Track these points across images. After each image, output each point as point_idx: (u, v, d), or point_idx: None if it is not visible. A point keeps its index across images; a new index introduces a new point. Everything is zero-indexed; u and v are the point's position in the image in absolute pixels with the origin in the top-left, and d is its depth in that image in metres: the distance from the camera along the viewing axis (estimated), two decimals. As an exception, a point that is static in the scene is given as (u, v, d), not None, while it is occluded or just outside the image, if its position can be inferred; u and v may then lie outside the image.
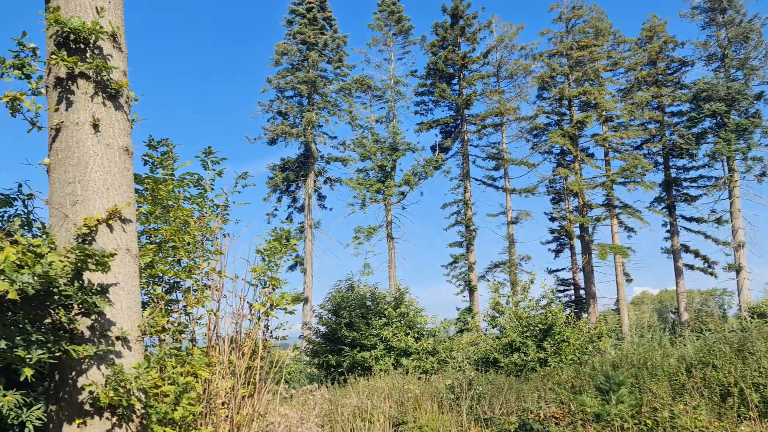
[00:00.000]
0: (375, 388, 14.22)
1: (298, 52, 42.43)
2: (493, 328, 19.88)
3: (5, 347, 3.68)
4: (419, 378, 16.63)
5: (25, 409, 8.47)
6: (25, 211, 11.03)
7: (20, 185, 11.00)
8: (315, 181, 43.84)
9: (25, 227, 10.46)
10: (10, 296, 3.49)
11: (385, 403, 12.96)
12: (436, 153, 44.77)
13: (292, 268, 42.06)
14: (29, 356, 3.79)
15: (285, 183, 43.44)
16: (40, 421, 8.50)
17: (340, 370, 20.37)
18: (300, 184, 43.97)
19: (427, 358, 20.33)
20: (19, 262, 3.65)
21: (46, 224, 7.98)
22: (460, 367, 16.69)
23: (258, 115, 43.14)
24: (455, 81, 45.39)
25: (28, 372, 3.81)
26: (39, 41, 4.81)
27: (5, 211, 10.90)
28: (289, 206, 44.41)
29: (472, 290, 42.25)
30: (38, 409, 8.43)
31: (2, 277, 3.52)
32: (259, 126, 47.00)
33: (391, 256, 43.00)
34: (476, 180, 45.01)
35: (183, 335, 7.97)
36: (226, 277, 7.75)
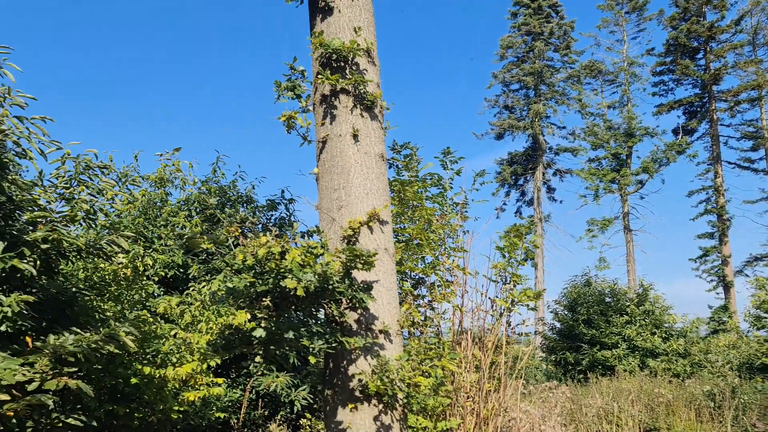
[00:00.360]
0: (620, 390, 13.48)
1: (524, 43, 41.78)
2: (758, 329, 17.62)
3: (293, 337, 4.20)
4: (669, 382, 15.38)
5: (293, 390, 9.56)
6: (288, 213, 12.46)
7: (282, 191, 12.43)
8: (544, 174, 42.84)
9: (288, 227, 11.81)
10: (298, 293, 3.98)
11: (633, 407, 12.22)
12: (679, 136, 40.85)
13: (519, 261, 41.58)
14: (312, 346, 4.27)
15: (513, 177, 43.12)
16: (306, 401, 9.52)
17: (579, 369, 19.69)
18: (528, 178, 43.31)
19: (677, 361, 18.72)
20: (302, 262, 4.14)
21: (301, 225, 8.87)
22: (719, 372, 15.08)
23: (484, 111, 43.44)
24: (700, 55, 40.97)
25: (311, 358, 4.30)
26: (304, 63, 5.39)
27: (272, 214, 12.41)
28: (517, 200, 44.02)
29: (727, 286, 37.85)
30: (304, 389, 9.46)
31: (291, 276, 4.02)
32: (486, 122, 47.37)
33: (629, 249, 40.35)
34: (729, 163, 40.14)
35: (429, 329, 8.36)
36: (468, 274, 7.94)
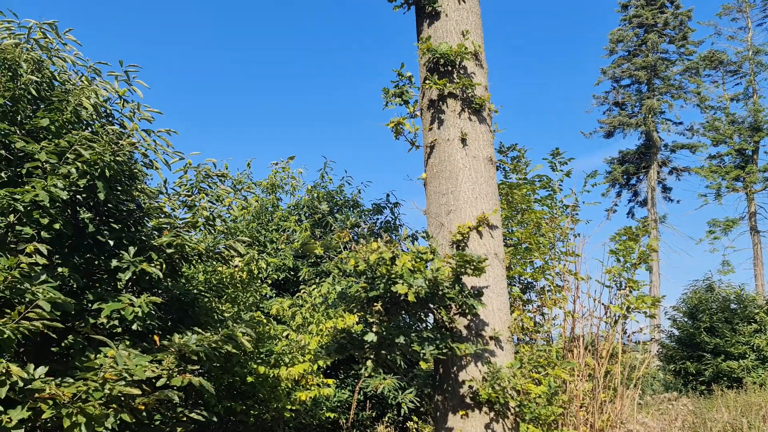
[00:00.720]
0: (749, 404, 12.51)
1: (635, 36, 39.83)
2: None
3: (404, 342, 4.22)
4: (806, 397, 14.08)
5: (400, 392, 9.62)
6: (393, 217, 12.59)
7: (388, 195, 12.58)
8: (658, 173, 40.61)
9: (393, 231, 11.94)
10: (409, 298, 3.99)
11: (765, 423, 11.30)
12: (814, 129, 37.44)
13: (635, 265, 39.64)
14: (423, 351, 4.27)
15: (624, 176, 41.19)
16: (413, 404, 9.53)
17: (701, 380, 18.48)
18: (641, 177, 41.21)
19: (815, 374, 17.13)
20: (412, 268, 4.15)
21: (408, 229, 8.87)
22: None
23: (593, 109, 41.77)
24: (837, 40, 37.35)
25: (422, 363, 4.30)
26: (411, 68, 5.42)
27: (378, 218, 12.59)
28: (629, 201, 41.99)
29: None
30: (411, 392, 9.48)
31: (402, 282, 4.04)
32: (594, 119, 45.66)
33: (756, 251, 37.44)
34: None
35: (538, 335, 8.14)
36: (581, 279, 7.66)
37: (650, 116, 39.08)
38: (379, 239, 4.25)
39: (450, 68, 5.17)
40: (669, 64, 39.70)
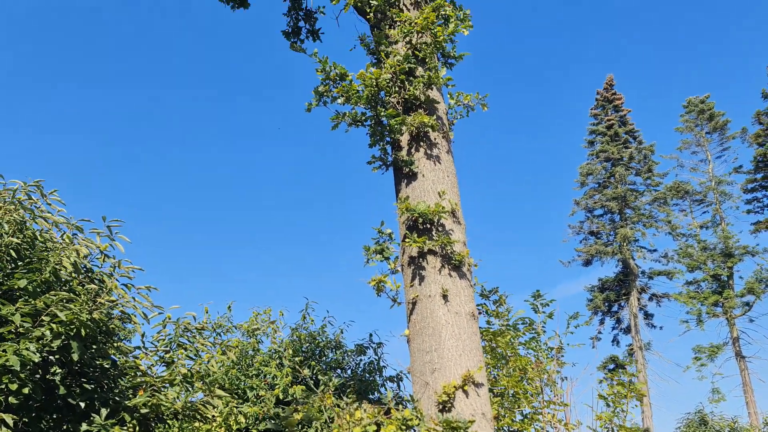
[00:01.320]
0: None
1: (603, 170, 41.70)
2: None
3: None
4: None
5: None
6: (377, 357, 12.31)
7: (371, 335, 12.39)
8: (639, 299, 40.86)
9: (377, 372, 11.62)
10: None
11: None
12: (784, 254, 38.40)
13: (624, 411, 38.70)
14: None
15: (606, 304, 41.34)
16: None
17: None
18: (623, 304, 41.39)
19: None
20: (398, 438, 4.00)
21: (390, 369, 8.65)
22: None
23: (569, 238, 42.70)
24: (793, 169, 39.40)
25: None
26: (390, 224, 5.55)
27: (361, 359, 12.30)
28: (613, 328, 41.83)
29: None
30: None
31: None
32: (571, 248, 46.47)
33: (744, 377, 36.91)
34: None
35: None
36: (571, 429, 7.42)
37: (625, 244, 39.98)
38: (361, 407, 4.12)
39: (429, 226, 5.31)
40: (638, 195, 41.29)
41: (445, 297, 5.11)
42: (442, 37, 5.59)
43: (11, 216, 6.07)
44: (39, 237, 6.46)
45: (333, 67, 5.34)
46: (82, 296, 5.88)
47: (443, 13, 5.67)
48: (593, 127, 43.48)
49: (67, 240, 6.60)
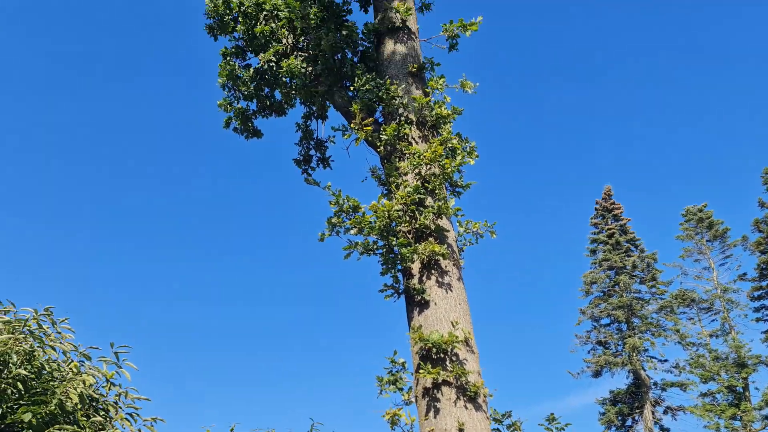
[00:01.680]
0: None
1: (607, 278, 41.61)
2: None
3: None
4: None
5: None
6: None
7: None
8: (653, 413, 39.39)
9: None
10: None
11: None
12: (798, 363, 37.47)
13: None
14: None
15: (619, 417, 39.82)
16: None
17: None
18: (637, 418, 39.86)
19: None
20: None
21: None
22: None
23: (577, 348, 41.85)
24: (798, 276, 39.30)
25: None
26: (403, 354, 5.50)
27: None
28: (628, 443, 40.05)
29: None
30: None
31: None
32: (580, 358, 45.44)
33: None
34: None
35: None
36: None
37: (635, 355, 39.14)
38: None
39: (443, 355, 5.26)
40: (644, 303, 40.94)
41: (461, 431, 4.98)
42: (449, 169, 5.81)
43: (21, 346, 6.04)
44: (47, 366, 6.40)
45: (346, 200, 5.51)
46: (87, 430, 5.75)
47: (450, 145, 5.92)
48: (594, 236, 43.83)
49: (74, 369, 6.53)
